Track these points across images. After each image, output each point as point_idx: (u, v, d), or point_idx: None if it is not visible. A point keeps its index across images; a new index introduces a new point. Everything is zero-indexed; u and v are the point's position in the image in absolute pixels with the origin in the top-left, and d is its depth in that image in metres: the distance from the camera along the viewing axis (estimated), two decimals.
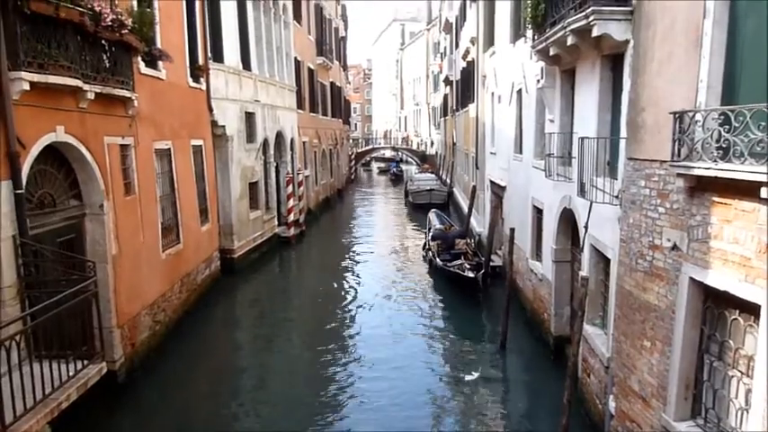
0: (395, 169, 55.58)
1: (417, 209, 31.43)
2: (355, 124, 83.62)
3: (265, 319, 14.80)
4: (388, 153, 67.56)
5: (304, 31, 29.10)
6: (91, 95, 9.20)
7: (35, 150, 8.24)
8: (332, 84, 37.27)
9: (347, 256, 21.96)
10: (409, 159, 64.37)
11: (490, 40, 19.19)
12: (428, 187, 33.54)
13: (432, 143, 60.12)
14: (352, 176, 51.53)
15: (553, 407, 9.17)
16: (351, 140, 56.51)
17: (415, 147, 63.63)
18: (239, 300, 16.36)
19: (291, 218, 23.21)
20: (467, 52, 25.62)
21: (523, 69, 13.73)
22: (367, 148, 65.32)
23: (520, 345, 12.35)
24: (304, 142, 28.70)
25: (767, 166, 4.82)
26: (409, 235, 26.06)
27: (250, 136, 19.77)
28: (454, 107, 32.96)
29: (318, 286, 17.62)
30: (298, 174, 25.35)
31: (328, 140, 36.11)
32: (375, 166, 65.48)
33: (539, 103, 12.54)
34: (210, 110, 16.62)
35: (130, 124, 11.08)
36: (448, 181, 36.91)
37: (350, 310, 15.24)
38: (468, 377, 10.88)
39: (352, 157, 52.70)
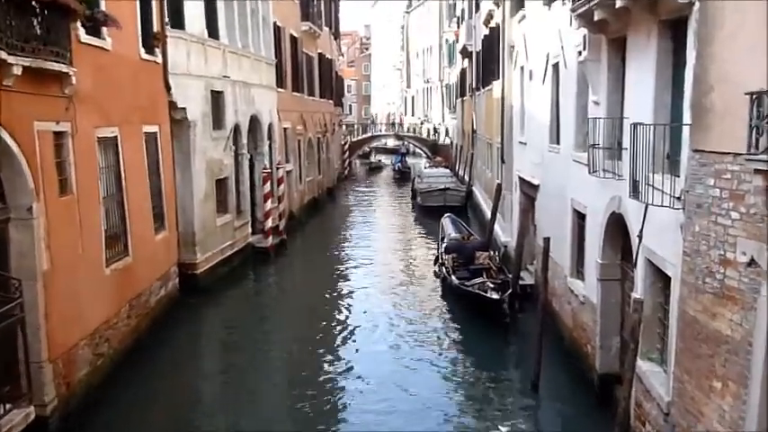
0: (399, 164, 55.67)
1: (427, 213, 31.62)
2: (350, 106, 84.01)
3: (236, 353, 14.72)
4: (391, 142, 67.76)
5: None
6: (17, 70, 9.23)
7: None
8: (320, 56, 37.44)
9: (340, 272, 22.08)
10: (418, 151, 64.53)
11: (519, 2, 19.20)
12: (441, 186, 33.93)
13: (433, 130, 60.16)
14: (346, 172, 51.64)
15: None
16: (344, 127, 56.41)
17: (424, 134, 63.75)
18: (203, 328, 16.32)
19: (269, 224, 23.26)
20: (489, 17, 25.73)
21: (561, 38, 13.83)
22: (364, 136, 65.53)
23: (556, 385, 12.39)
24: (285, 129, 28.82)
25: None
26: (417, 246, 26.37)
27: (217, 121, 19.80)
28: (474, 85, 33.29)
29: (303, 311, 17.64)
30: (277, 169, 25.47)
31: (316, 127, 36.35)
32: (371, 159, 65.29)
33: (580, 80, 12.68)
34: (168, 88, 16.67)
35: (67, 107, 11.14)
36: (466, 178, 37.44)
37: (343, 343, 15.30)
38: None
39: (346, 147, 52.80)
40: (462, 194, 33.93)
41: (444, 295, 18.43)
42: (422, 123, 65.71)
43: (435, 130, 60.63)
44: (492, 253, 19.43)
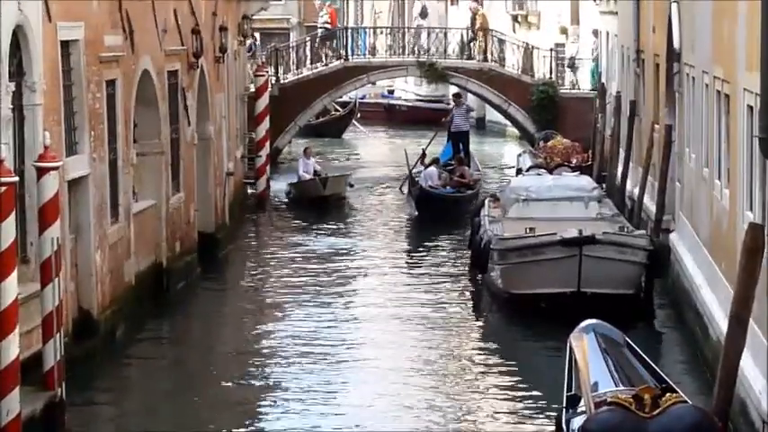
0: (433, 174, 25.83)
1: (523, 317, 18.30)
2: None
3: None
4: (412, 89, 37.26)
5: None
6: None
7: None
8: None
9: None
10: (495, 119, 34.05)
11: None
12: (569, 230, 18.73)
13: (551, 55, 31.49)
14: (263, 187, 26.63)
15: None
16: (256, 43, 31.39)
17: (510, 66, 32.27)
18: None
19: (12, 354, 16.26)
20: None
21: None
22: (322, 68, 32.74)
23: None
24: (67, 45, 19.11)
25: None
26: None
27: None
28: None
29: None
30: (40, 170, 14.84)
31: (164, 42, 20.85)
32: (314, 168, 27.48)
33: None
34: None
35: None
36: (648, 204, 21.39)
37: None
38: None
39: (263, 107, 26.83)
40: (638, 260, 18.18)
41: None
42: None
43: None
44: None
